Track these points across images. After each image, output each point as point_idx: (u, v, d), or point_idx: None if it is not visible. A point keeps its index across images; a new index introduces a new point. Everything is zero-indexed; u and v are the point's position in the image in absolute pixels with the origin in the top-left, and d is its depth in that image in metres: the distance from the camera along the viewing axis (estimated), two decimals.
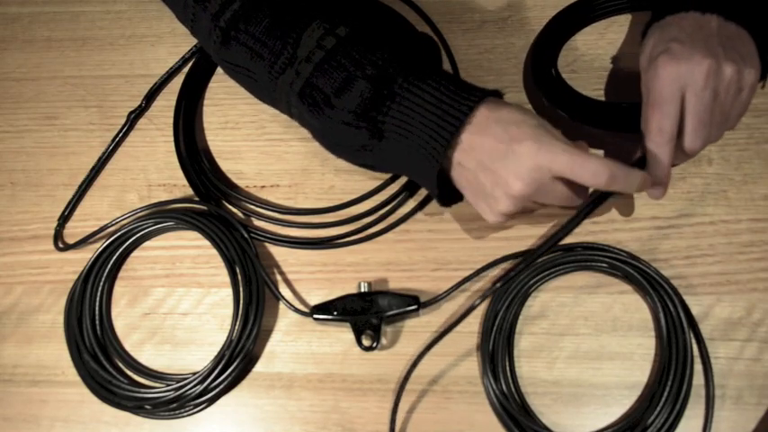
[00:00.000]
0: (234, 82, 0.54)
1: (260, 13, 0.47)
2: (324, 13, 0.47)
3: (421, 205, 0.57)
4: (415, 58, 0.47)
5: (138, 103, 0.62)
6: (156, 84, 0.63)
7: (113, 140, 0.61)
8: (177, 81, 0.63)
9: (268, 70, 0.47)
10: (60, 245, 0.59)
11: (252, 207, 0.58)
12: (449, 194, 0.49)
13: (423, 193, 0.57)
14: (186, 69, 0.63)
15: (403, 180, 0.57)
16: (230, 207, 0.59)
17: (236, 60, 0.49)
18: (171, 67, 0.63)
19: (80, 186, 0.60)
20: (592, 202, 0.50)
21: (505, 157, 0.43)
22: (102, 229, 0.58)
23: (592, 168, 0.43)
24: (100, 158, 0.61)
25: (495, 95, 0.46)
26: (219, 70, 0.63)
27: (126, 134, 0.62)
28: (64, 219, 0.60)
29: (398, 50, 0.46)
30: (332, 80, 0.46)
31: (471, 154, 0.44)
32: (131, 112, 0.62)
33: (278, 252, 0.57)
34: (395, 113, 0.45)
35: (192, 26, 0.52)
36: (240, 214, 0.58)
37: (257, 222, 0.58)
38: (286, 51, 0.46)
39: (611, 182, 0.43)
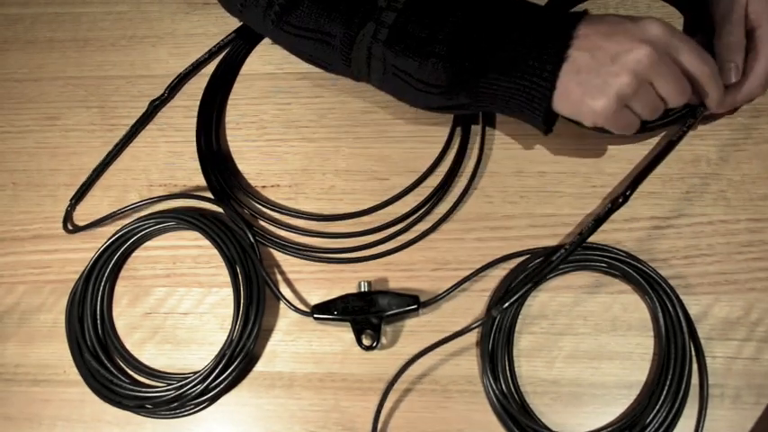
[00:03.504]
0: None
1: None
2: None
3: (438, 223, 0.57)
4: None
5: (161, 94, 0.62)
6: (179, 75, 0.62)
7: (132, 127, 0.61)
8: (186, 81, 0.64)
9: (345, 27, 0.46)
10: (70, 226, 0.59)
11: (268, 213, 0.58)
12: (551, 118, 0.48)
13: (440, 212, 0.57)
14: (201, 70, 0.64)
15: (420, 197, 0.56)
16: (239, 208, 0.59)
17: (305, 23, 0.48)
18: (197, 59, 0.63)
19: (96, 168, 0.61)
20: (606, 212, 0.50)
21: (626, 31, 0.43)
22: (112, 215, 0.59)
23: (706, 54, 0.45)
24: (117, 145, 0.61)
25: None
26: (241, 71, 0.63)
27: (145, 123, 0.62)
28: (76, 200, 0.60)
29: None
30: (422, 21, 0.45)
31: (586, 41, 0.44)
32: (154, 101, 0.62)
33: (278, 252, 0.57)
34: (498, 43, 0.44)
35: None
36: (249, 216, 0.58)
37: (261, 223, 0.58)
38: (362, 5, 0.46)
39: (714, 74, 0.46)
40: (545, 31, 0.44)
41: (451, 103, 0.49)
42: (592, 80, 0.44)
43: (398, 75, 0.48)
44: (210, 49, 0.63)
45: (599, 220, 0.50)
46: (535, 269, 0.52)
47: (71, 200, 0.60)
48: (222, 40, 0.63)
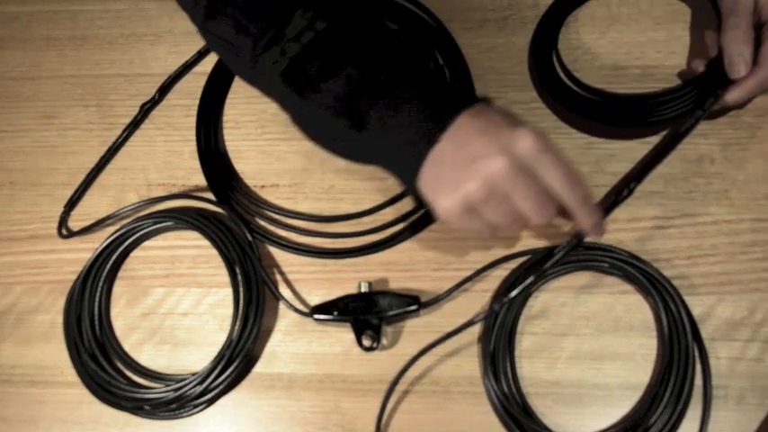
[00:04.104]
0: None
1: None
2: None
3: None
4: (408, 53, 0.45)
5: (151, 96, 0.62)
6: (170, 77, 0.62)
7: (125, 131, 0.61)
8: (181, 80, 0.63)
9: (252, 46, 0.45)
10: (64, 232, 0.59)
11: (268, 214, 0.58)
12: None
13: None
14: (196, 68, 0.63)
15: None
16: (238, 208, 0.58)
17: (221, 33, 0.47)
18: (186, 61, 0.63)
19: (90, 173, 0.60)
20: (611, 204, 0.49)
21: (499, 134, 0.41)
22: (106, 218, 0.58)
23: (577, 178, 0.42)
24: (110, 148, 0.61)
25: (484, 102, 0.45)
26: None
27: (137, 127, 0.61)
28: (70, 206, 0.59)
29: (391, 44, 0.45)
30: (319, 63, 0.44)
31: (459, 131, 0.42)
32: (144, 104, 0.61)
33: (278, 252, 0.57)
34: (380, 106, 0.43)
35: None
36: (247, 216, 0.58)
37: (260, 223, 0.58)
38: (273, 29, 0.44)
39: (584, 201, 0.43)
40: (432, 108, 0.42)
41: (338, 151, 0.48)
42: (447, 175, 0.42)
43: (291, 108, 0.47)
44: (200, 50, 0.63)
45: (603, 212, 0.49)
46: (538, 262, 0.52)
47: (65, 206, 0.59)
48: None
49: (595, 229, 0.46)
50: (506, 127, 0.41)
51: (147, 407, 0.53)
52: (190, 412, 0.53)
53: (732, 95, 0.50)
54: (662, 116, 0.53)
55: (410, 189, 0.45)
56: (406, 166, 0.44)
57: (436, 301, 0.52)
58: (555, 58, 0.57)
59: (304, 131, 0.49)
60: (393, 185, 0.57)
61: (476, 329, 0.53)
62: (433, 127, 0.42)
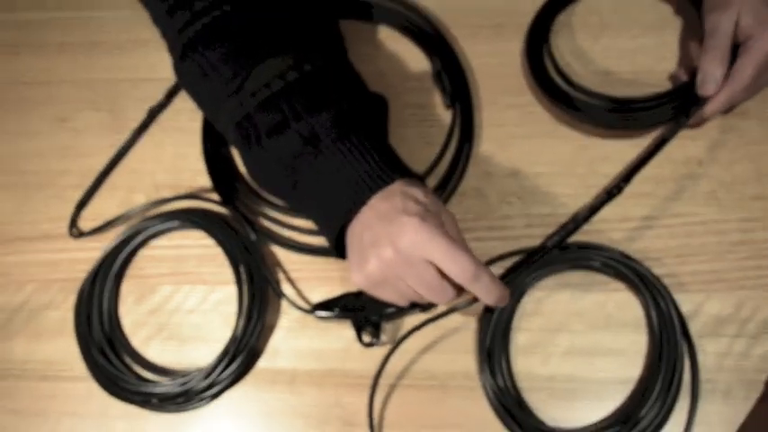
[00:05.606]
0: None
1: (218, 40, 0.48)
2: (280, 54, 0.47)
3: None
4: (355, 121, 0.47)
5: (159, 100, 0.63)
6: (177, 81, 0.62)
7: (134, 134, 0.62)
8: None
9: (215, 94, 0.48)
10: (75, 232, 0.60)
11: (271, 214, 0.59)
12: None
13: None
14: None
15: None
16: (243, 208, 0.59)
17: (188, 76, 0.50)
18: None
19: (100, 175, 0.61)
20: (601, 202, 0.51)
21: (390, 223, 0.43)
22: (115, 219, 0.60)
23: (461, 262, 0.43)
24: (119, 151, 0.62)
25: (415, 178, 0.47)
26: None
27: (145, 129, 0.63)
28: (81, 206, 0.61)
29: (341, 110, 0.47)
30: (268, 120, 0.46)
31: (367, 213, 0.45)
32: (152, 107, 0.63)
33: (281, 251, 0.58)
34: (314, 170, 0.46)
35: (162, 33, 0.53)
36: (250, 216, 0.59)
37: (264, 223, 0.59)
38: (236, 81, 0.47)
39: (473, 281, 0.43)
40: (354, 185, 0.45)
41: (281, 199, 0.51)
42: (355, 252, 0.45)
43: (239, 152, 0.51)
44: None
45: (593, 209, 0.51)
46: (529, 255, 0.53)
47: (76, 207, 0.61)
48: None
49: (498, 301, 0.46)
50: (397, 217, 0.43)
51: (154, 400, 0.54)
52: (195, 405, 0.54)
53: (707, 109, 0.52)
54: (650, 119, 0.54)
55: (331, 251, 0.49)
56: (327, 235, 0.48)
57: None
58: (546, 55, 0.58)
59: (250, 177, 0.52)
60: None
61: (472, 326, 0.54)
62: (355, 201, 0.45)
